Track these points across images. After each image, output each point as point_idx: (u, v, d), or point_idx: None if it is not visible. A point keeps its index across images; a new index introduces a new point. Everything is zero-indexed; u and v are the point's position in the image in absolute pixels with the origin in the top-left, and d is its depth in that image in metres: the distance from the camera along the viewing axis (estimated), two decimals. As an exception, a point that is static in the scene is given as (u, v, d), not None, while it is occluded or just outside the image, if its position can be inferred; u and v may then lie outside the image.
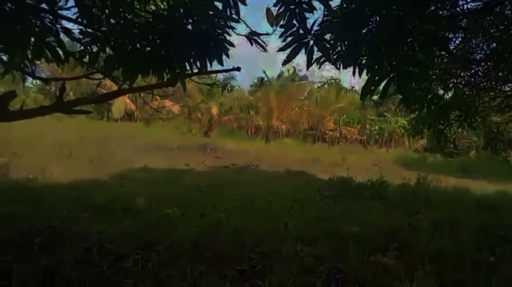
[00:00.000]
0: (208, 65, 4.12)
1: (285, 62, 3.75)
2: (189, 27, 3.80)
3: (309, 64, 3.84)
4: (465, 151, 29.41)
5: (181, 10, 3.81)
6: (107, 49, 4.07)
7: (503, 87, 7.85)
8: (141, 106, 32.03)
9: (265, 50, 3.75)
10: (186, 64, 4.09)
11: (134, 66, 4.02)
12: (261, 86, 37.60)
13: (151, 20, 3.94)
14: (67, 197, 6.79)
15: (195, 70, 4.29)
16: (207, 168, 13.21)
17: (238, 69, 3.87)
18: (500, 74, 7.11)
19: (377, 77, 3.97)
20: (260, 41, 3.66)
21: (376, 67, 3.95)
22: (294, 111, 32.05)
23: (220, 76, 37.80)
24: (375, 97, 38.02)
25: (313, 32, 3.59)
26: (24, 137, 12.55)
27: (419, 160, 22.88)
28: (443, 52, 5.90)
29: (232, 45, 3.86)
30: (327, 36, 3.83)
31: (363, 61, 4.08)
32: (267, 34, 3.67)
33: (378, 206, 7.56)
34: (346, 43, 4.13)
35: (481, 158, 26.45)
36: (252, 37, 3.62)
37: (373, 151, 27.51)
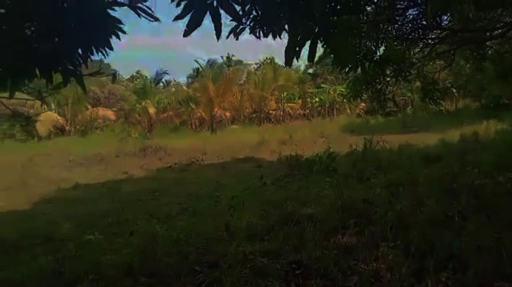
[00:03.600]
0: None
1: (186, 33, 3.01)
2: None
3: (218, 33, 3.11)
4: (402, 108, 30.56)
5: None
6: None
7: (429, 35, 7.74)
8: (72, 118, 29.78)
9: (156, 19, 3.00)
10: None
11: (11, 70, 3.12)
12: (197, 77, 36.38)
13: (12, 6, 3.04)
14: (-29, 242, 5.63)
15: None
16: (147, 172, 12.18)
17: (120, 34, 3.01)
18: (426, 22, 6.93)
19: (299, 36, 3.42)
20: (147, 9, 2.89)
21: (296, 24, 3.38)
22: (235, 96, 31.36)
23: (149, 76, 36.27)
24: (311, 70, 38.58)
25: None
26: None
27: (362, 124, 23.30)
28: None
29: (119, 22, 3.07)
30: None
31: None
32: (151, -3, 2.91)
33: (329, 180, 7.15)
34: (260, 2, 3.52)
35: (417, 112, 27.59)
36: (135, 5, 2.84)
37: (317, 123, 27.65)
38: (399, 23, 6.62)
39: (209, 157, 14.67)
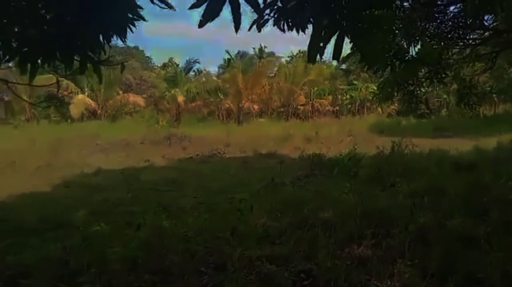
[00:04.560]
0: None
1: (200, 24, 2.81)
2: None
3: (236, 24, 2.87)
4: (436, 110, 29.35)
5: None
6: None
7: (470, 35, 7.21)
8: (103, 103, 30.47)
9: (170, 7, 2.83)
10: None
11: (31, 53, 3.06)
12: (228, 68, 36.28)
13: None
14: (-11, 221, 5.75)
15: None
16: (168, 162, 12.22)
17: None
18: (467, 21, 6.43)
19: (324, 30, 3.15)
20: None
21: (320, 16, 3.11)
22: (263, 89, 31.08)
23: (183, 62, 36.52)
24: (344, 66, 37.66)
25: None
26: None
27: (393, 125, 22.54)
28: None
29: (140, 7, 2.94)
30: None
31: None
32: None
33: (352, 183, 6.82)
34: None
35: (452, 115, 26.40)
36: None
37: (346, 121, 27.00)
38: (438, 20, 6.16)
39: (232, 150, 14.57)
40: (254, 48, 40.90)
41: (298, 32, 3.42)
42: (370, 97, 29.91)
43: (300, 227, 4.93)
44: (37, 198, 7.27)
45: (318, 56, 3.28)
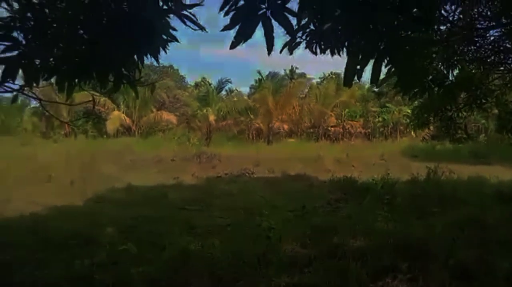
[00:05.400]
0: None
1: (232, 45, 2.78)
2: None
3: (269, 46, 2.81)
4: (474, 136, 28.14)
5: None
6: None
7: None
8: (137, 119, 31.37)
9: (202, 28, 2.84)
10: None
11: (68, 72, 3.16)
12: (259, 88, 36.59)
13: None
14: (22, 234, 5.88)
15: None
16: (198, 180, 12.28)
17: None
18: (508, 45, 6.14)
19: (360, 54, 3.06)
20: (193, 17, 2.74)
21: (358, 40, 3.03)
22: (294, 109, 31.06)
23: (214, 82, 37.24)
24: (376, 88, 37.11)
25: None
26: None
27: (427, 149, 21.72)
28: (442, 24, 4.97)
29: (173, 29, 2.98)
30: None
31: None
32: (198, 4, 2.76)
33: (385, 210, 6.54)
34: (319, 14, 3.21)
35: (491, 141, 25.20)
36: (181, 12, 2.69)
37: (378, 143, 26.38)
38: (478, 44, 5.91)
39: (260, 170, 14.47)
40: (285, 70, 41.18)
41: (332, 54, 3.36)
42: (404, 120, 29.17)
43: (330, 255, 4.74)
44: (68, 212, 7.43)
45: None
